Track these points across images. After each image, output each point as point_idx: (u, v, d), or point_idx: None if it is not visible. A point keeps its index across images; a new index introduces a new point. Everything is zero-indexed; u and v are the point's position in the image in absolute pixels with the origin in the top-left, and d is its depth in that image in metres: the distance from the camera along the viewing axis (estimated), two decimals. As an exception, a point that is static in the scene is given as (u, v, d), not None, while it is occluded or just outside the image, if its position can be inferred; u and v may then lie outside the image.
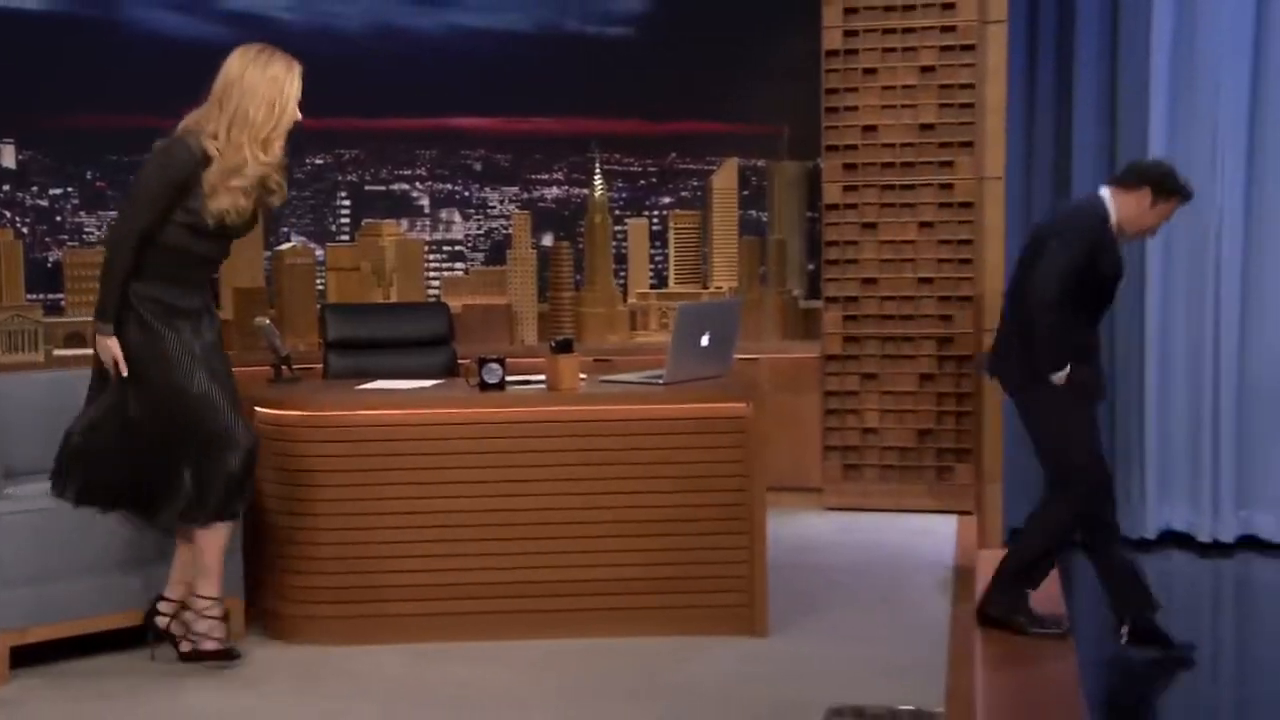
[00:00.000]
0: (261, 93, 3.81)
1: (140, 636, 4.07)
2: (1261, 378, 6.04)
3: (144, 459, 3.92)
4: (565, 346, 4.32)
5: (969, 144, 5.88)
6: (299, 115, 3.87)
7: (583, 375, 4.44)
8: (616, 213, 6.81)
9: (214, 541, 3.96)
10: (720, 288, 6.74)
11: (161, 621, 4.03)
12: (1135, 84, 6.04)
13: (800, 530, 5.69)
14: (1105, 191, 4.55)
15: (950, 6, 5.85)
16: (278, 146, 3.86)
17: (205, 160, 3.80)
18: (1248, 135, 5.98)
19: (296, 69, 3.86)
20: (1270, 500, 6.05)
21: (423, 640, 4.14)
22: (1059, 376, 4.44)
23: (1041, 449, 4.65)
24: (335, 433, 4.18)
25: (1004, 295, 4.79)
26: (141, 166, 3.89)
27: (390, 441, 4.19)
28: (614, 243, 6.76)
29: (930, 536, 5.59)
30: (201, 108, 3.87)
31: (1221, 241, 5.96)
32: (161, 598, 4.05)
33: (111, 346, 3.85)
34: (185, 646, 4.00)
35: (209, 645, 3.98)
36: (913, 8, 5.90)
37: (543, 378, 4.38)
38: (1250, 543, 6.04)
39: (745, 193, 6.80)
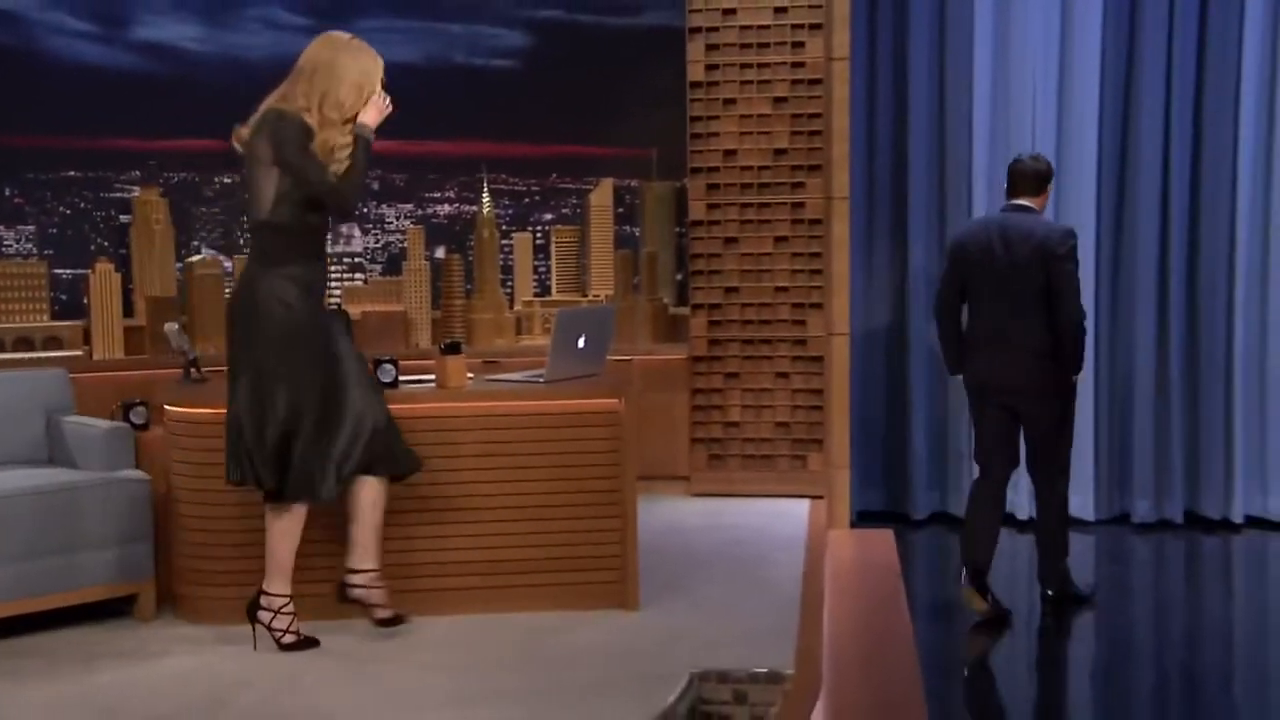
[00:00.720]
0: (352, 78, 3.81)
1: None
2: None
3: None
4: (453, 348, 4.31)
5: (818, 167, 5.97)
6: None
7: (470, 374, 4.44)
8: (503, 228, 6.79)
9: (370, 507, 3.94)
10: (598, 295, 6.76)
11: (357, 593, 3.97)
12: (961, 111, 6.22)
13: (669, 514, 5.73)
14: (1027, 201, 4.78)
15: (800, 45, 5.93)
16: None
17: (310, 134, 3.75)
18: (1056, 143, 6.18)
19: (381, 61, 3.89)
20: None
21: (318, 619, 4.09)
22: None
23: (1063, 440, 4.89)
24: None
25: (1008, 318, 4.73)
26: (273, 142, 3.74)
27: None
28: (501, 255, 6.74)
29: (785, 518, 5.66)
30: (282, 88, 3.83)
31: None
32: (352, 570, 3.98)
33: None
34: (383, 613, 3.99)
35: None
36: (767, 45, 5.96)
37: (433, 377, 4.37)
38: None
39: (620, 210, 6.82)
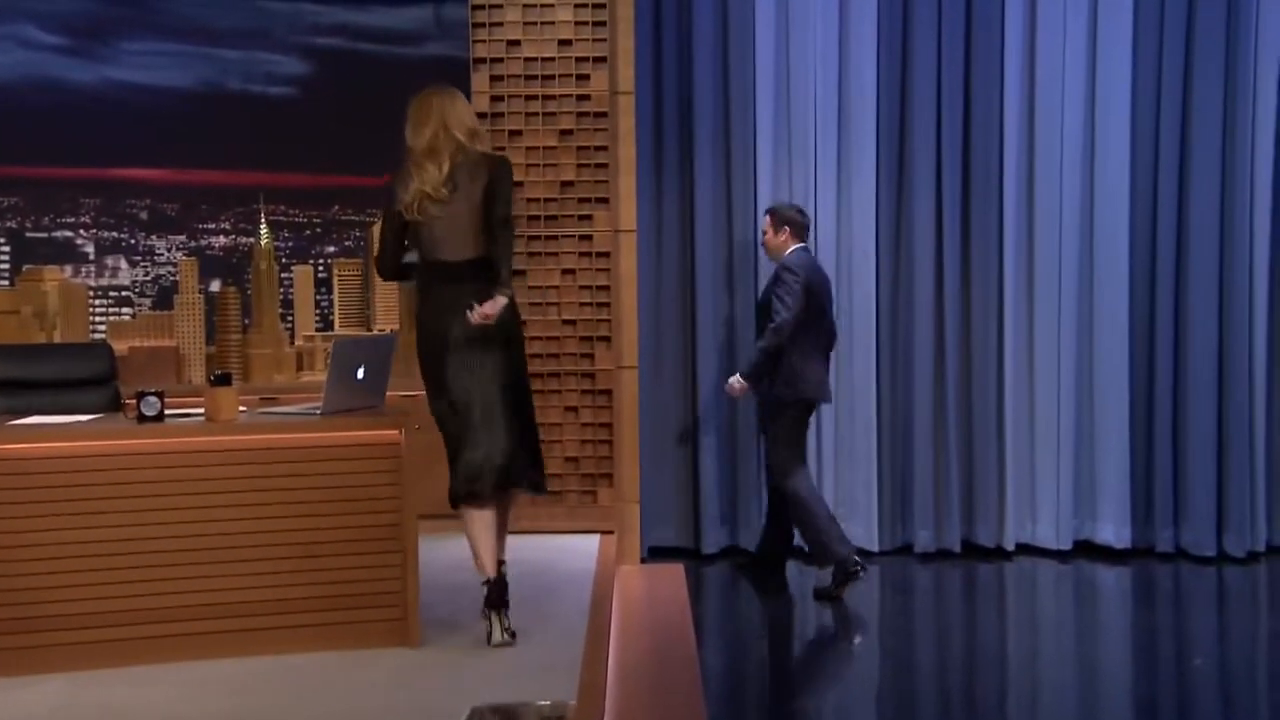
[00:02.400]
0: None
1: None
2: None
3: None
4: (224, 380, 4.24)
5: (605, 200, 6.08)
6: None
7: (243, 408, 4.36)
8: (283, 260, 6.70)
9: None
10: (383, 329, 6.74)
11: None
12: (744, 145, 6.45)
13: (454, 553, 5.59)
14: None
15: (585, 78, 6.06)
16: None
17: None
18: (835, 177, 6.49)
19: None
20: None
21: (82, 668, 3.95)
22: None
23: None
24: (-15, 468, 3.95)
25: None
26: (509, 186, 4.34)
27: (44, 474, 3.99)
28: (281, 289, 6.65)
29: (574, 554, 5.70)
30: (465, 138, 4.39)
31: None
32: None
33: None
34: None
35: None
36: (552, 78, 6.07)
37: (202, 411, 4.28)
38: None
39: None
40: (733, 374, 5.96)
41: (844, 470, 6.55)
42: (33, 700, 3.79)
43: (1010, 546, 6.53)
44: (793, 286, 5.75)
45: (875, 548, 6.50)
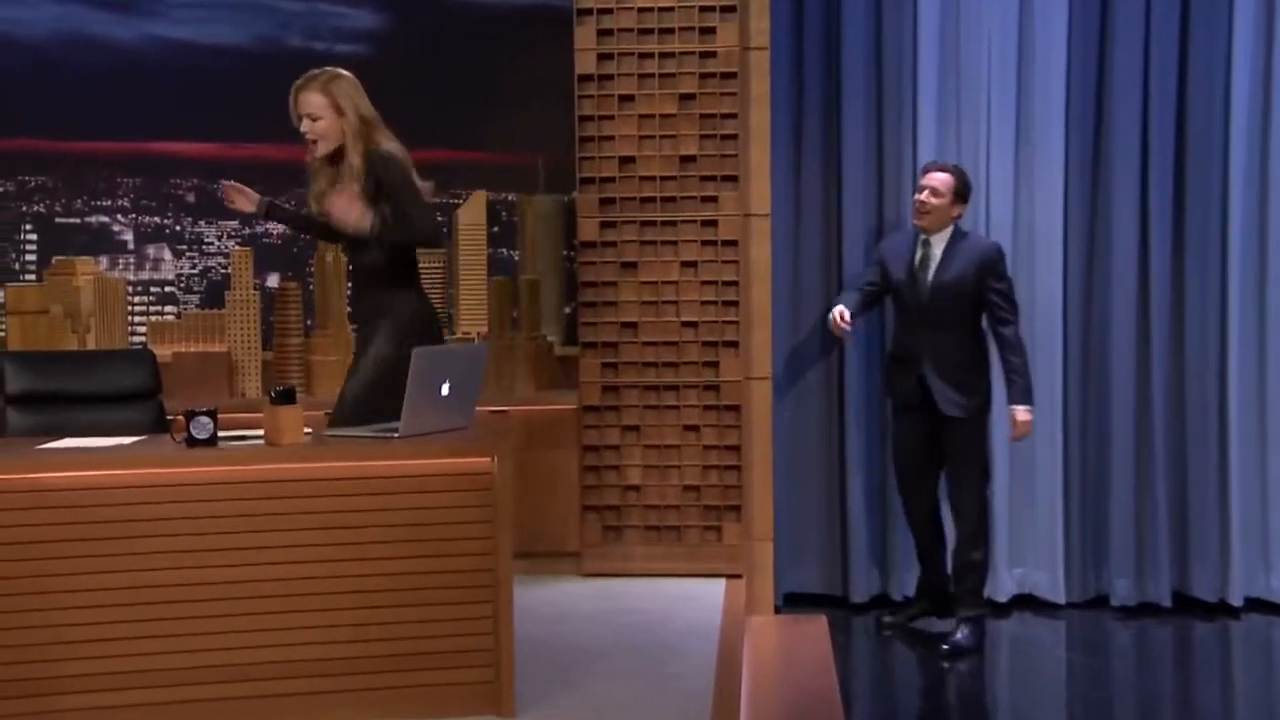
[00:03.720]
0: None
1: None
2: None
3: None
4: (286, 396, 4.24)
5: (733, 178, 6.03)
6: (304, 129, 4.75)
7: (308, 429, 4.37)
8: (351, 250, 6.74)
9: None
10: (468, 333, 6.74)
11: None
12: (903, 109, 6.36)
13: (555, 599, 5.71)
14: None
15: (710, 31, 6.01)
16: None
17: None
18: (1014, 148, 6.34)
19: (295, 86, 4.76)
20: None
21: None
22: None
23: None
24: (8, 499, 3.99)
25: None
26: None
27: (78, 508, 4.01)
28: (348, 283, 6.68)
29: (696, 602, 5.67)
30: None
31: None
32: None
33: None
34: None
35: None
36: (671, 32, 6.03)
37: (261, 432, 4.30)
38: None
39: (494, 229, 6.82)
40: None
41: (1022, 506, 6.45)
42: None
43: (1237, 601, 6.36)
44: (1009, 280, 5.86)
45: (1061, 599, 6.40)
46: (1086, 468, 6.48)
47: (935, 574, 6.12)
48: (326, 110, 4.74)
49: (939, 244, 5.84)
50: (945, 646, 5.79)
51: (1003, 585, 6.41)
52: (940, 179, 5.83)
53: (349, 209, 4.68)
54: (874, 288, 6.03)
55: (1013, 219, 6.37)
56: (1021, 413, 5.82)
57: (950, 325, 5.82)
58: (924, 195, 5.82)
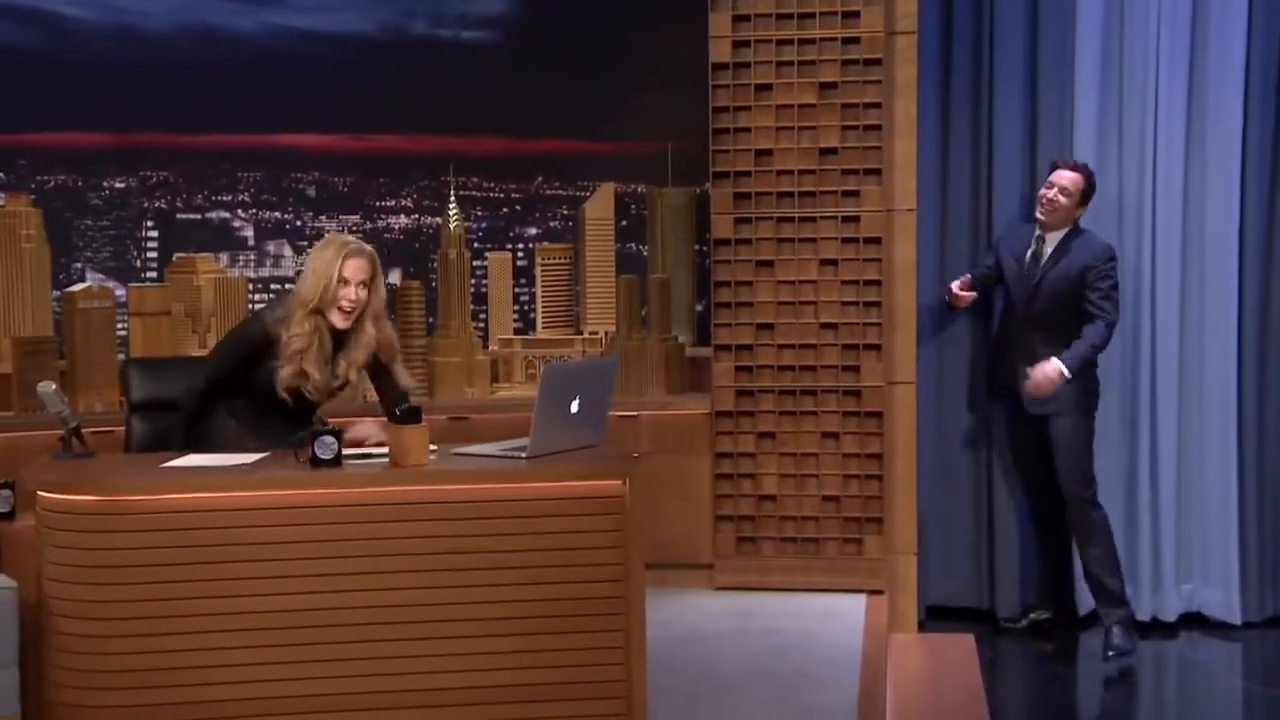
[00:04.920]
0: (312, 268, 4.59)
1: None
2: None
3: None
4: (413, 415, 4.23)
5: (876, 171, 5.95)
6: (351, 295, 4.55)
7: (433, 446, 4.36)
8: (475, 246, 6.75)
9: None
10: (595, 333, 6.71)
11: None
12: (1060, 97, 6.17)
13: (687, 615, 5.67)
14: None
15: (853, 15, 5.92)
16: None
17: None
18: (1184, 150, 6.13)
19: (350, 249, 4.57)
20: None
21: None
22: None
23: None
24: (134, 521, 4.03)
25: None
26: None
27: (203, 530, 4.04)
28: (472, 281, 6.69)
29: (835, 620, 5.63)
30: None
31: (1156, 261, 6.13)
32: None
33: None
34: None
35: None
36: (811, 16, 5.95)
37: (385, 451, 4.29)
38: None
39: (623, 223, 6.79)
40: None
41: (1192, 517, 6.27)
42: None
43: None
44: (1116, 281, 5.83)
45: (1237, 619, 6.21)
46: (1264, 472, 6.28)
47: (1050, 574, 6.20)
48: (369, 279, 4.64)
49: (1053, 240, 5.89)
50: (1110, 653, 5.79)
51: (1169, 602, 6.23)
52: (1070, 178, 5.85)
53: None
54: (988, 272, 6.10)
55: (1182, 220, 6.16)
56: (1050, 367, 5.76)
57: (1053, 323, 5.85)
58: (1052, 193, 5.85)
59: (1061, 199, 5.83)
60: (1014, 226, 6.12)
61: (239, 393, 4.68)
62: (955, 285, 6.08)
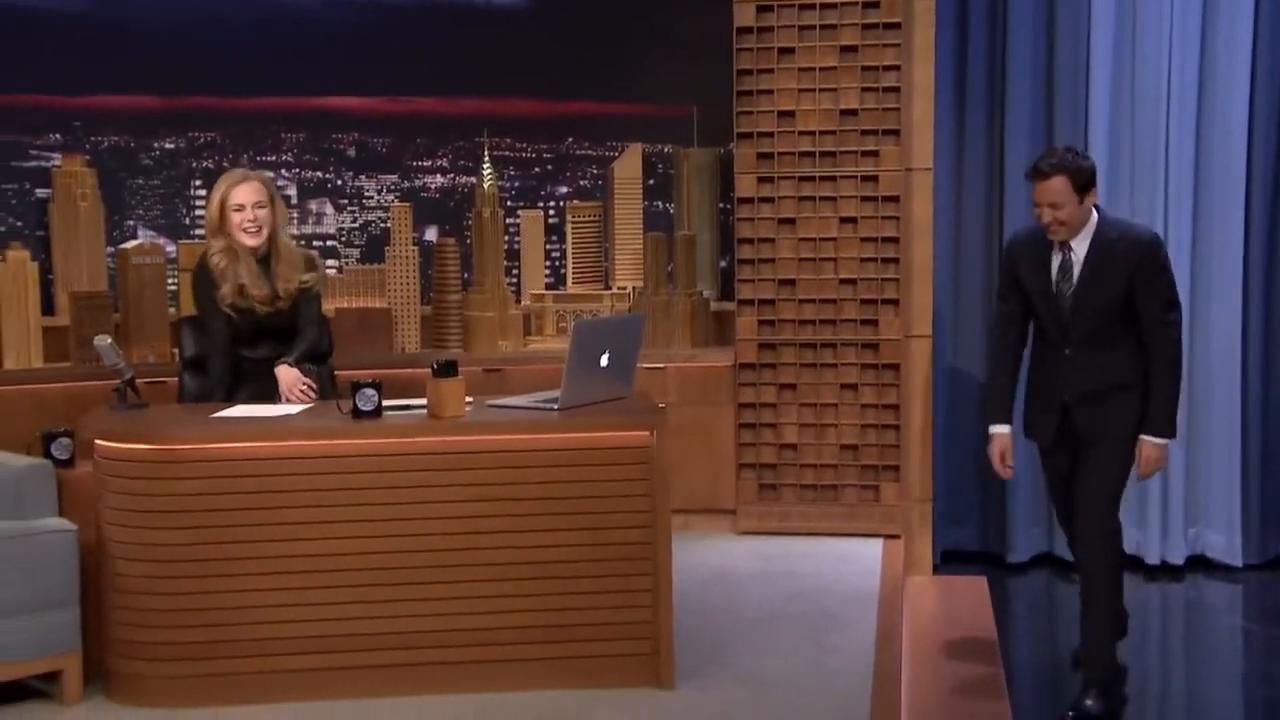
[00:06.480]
0: (208, 201, 4.96)
1: None
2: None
3: None
4: (449, 369, 4.28)
5: (895, 132, 5.92)
6: (249, 216, 4.85)
7: (469, 399, 4.40)
8: (508, 204, 6.76)
9: None
10: (623, 288, 6.73)
11: None
12: (1075, 63, 6.11)
13: (711, 559, 5.70)
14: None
15: (874, -21, 5.88)
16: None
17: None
18: (1195, 118, 6.07)
19: (235, 178, 4.90)
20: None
21: (292, 699, 4.11)
22: None
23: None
24: (187, 469, 4.12)
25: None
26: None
27: (251, 478, 4.13)
28: (505, 238, 6.70)
29: (854, 563, 5.65)
30: None
31: (1168, 232, 6.05)
32: None
33: None
34: None
35: None
36: (832, -21, 5.91)
37: (424, 401, 4.34)
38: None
39: (650, 182, 6.79)
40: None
41: (1197, 463, 6.23)
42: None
43: None
44: (1171, 276, 4.64)
45: (1238, 561, 6.20)
46: (1267, 422, 6.25)
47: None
48: (267, 201, 4.92)
49: (1081, 245, 4.56)
50: (1071, 713, 4.57)
51: (1175, 546, 6.21)
52: (1057, 187, 4.47)
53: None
54: (1016, 324, 4.79)
55: (1193, 189, 6.08)
56: (1150, 446, 4.58)
57: (1101, 344, 4.59)
58: (1046, 218, 4.51)
59: (1058, 214, 4.49)
60: (1024, 229, 4.82)
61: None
62: (998, 456, 4.85)
